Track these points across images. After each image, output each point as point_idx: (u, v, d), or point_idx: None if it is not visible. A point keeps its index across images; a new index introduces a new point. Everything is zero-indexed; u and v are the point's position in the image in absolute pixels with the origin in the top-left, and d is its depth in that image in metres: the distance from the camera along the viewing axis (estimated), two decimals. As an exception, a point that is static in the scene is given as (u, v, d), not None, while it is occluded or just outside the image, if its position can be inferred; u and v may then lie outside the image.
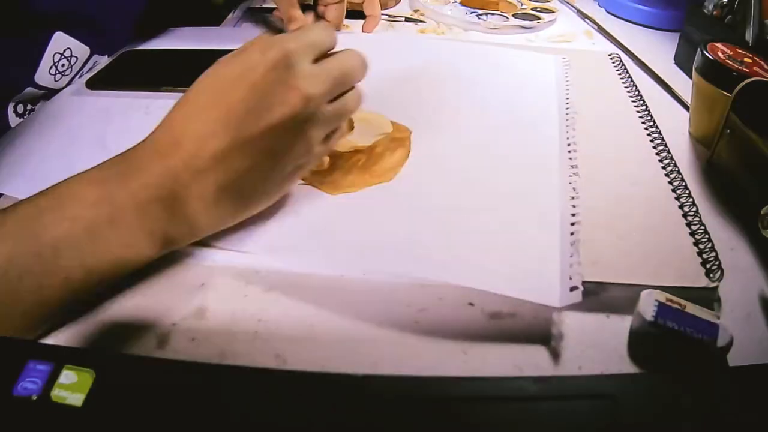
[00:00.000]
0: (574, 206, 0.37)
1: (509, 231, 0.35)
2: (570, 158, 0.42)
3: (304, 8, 0.62)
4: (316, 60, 0.33)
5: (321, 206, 0.37)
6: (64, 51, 0.50)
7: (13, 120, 0.48)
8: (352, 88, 0.35)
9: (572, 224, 0.35)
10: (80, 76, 0.54)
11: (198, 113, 0.30)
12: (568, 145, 0.43)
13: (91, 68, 0.55)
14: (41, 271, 0.27)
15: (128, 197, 0.29)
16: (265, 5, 0.73)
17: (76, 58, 0.51)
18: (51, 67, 0.49)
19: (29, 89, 0.48)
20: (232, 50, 0.55)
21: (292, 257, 0.33)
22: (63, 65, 0.50)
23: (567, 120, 0.47)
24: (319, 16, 0.62)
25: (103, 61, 0.56)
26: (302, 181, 0.38)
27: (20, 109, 0.49)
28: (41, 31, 0.47)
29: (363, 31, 0.63)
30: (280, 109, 0.30)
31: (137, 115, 0.47)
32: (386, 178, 0.39)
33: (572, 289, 0.31)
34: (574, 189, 0.39)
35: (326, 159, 0.40)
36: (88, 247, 0.28)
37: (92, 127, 0.45)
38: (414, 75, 0.53)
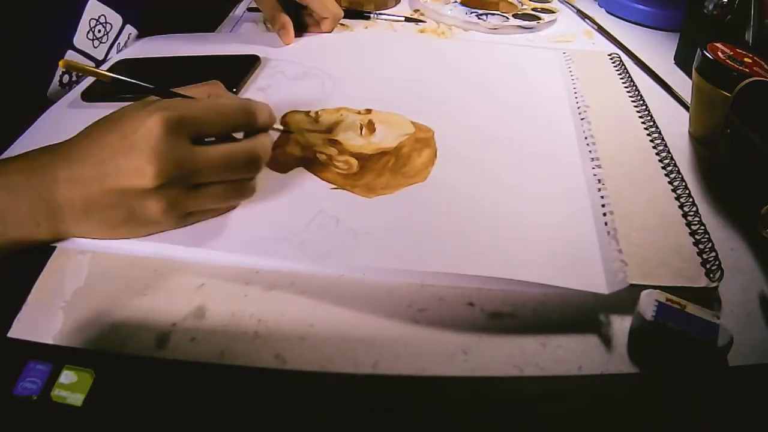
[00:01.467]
0: (602, 197, 0.38)
1: (546, 224, 0.36)
2: (590, 151, 0.43)
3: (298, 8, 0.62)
4: (203, 135, 0.34)
5: (359, 209, 0.37)
6: (99, 17, 0.53)
7: (56, 90, 0.51)
8: (249, 178, 0.36)
9: (604, 214, 0.37)
10: (118, 50, 0.57)
11: (89, 142, 0.33)
12: (585, 138, 0.45)
13: (125, 42, 0.58)
14: None
15: (25, 191, 0.32)
16: (251, 6, 0.73)
17: (111, 25, 0.55)
18: (88, 32, 0.52)
19: (70, 52, 0.50)
20: (226, 56, 0.55)
21: (338, 261, 0.33)
22: (99, 31, 0.53)
23: (580, 113, 0.48)
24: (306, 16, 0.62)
25: (134, 35, 0.58)
26: (334, 186, 0.39)
27: (65, 79, 0.52)
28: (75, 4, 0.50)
29: (323, 31, 0.63)
30: (131, 177, 0.31)
31: None
32: (421, 178, 0.40)
33: (616, 275, 0.32)
34: (599, 180, 0.40)
35: (354, 162, 0.41)
36: None
37: None
38: (423, 75, 0.54)
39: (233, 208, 0.37)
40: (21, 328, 0.29)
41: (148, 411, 0.26)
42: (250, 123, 0.36)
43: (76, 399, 0.25)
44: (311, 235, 0.35)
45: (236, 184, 0.36)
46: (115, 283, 0.32)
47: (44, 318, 0.30)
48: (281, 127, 0.42)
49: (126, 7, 0.57)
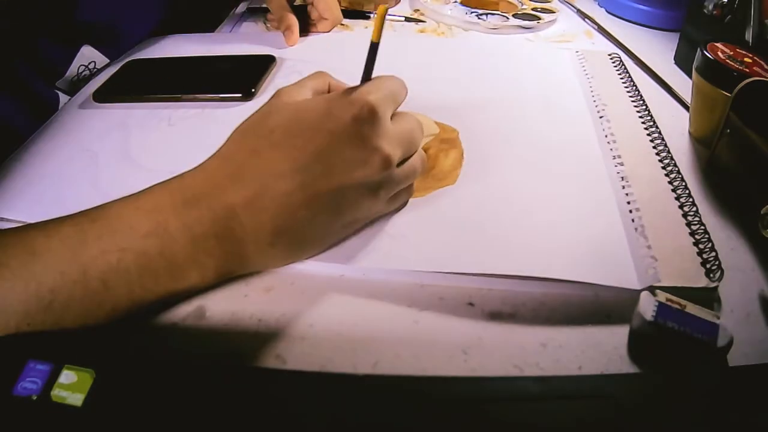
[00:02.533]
0: (627, 194, 0.39)
1: (575, 222, 0.37)
2: (611, 149, 0.43)
3: (298, 9, 0.62)
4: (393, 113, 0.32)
5: (393, 213, 0.36)
6: (89, 64, 0.53)
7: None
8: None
9: (630, 211, 0.37)
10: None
11: (267, 150, 0.28)
12: (606, 136, 0.45)
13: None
14: (88, 302, 0.26)
15: (182, 230, 0.27)
16: (264, 5, 0.73)
17: (97, 69, 0.54)
18: (74, 77, 0.52)
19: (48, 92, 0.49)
20: (240, 56, 0.54)
21: (373, 263, 0.33)
22: (84, 75, 0.53)
23: (598, 111, 0.48)
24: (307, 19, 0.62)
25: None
26: None
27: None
28: (71, 43, 0.50)
29: (319, 31, 0.63)
30: (358, 170, 0.28)
31: (159, 126, 0.45)
32: (451, 180, 0.40)
33: (647, 271, 0.33)
34: (622, 178, 0.40)
35: None
36: (138, 280, 0.27)
37: (111, 141, 0.44)
38: (441, 74, 0.54)
39: (410, 195, 0.37)
40: (21, 328, 0.29)
41: (148, 411, 0.26)
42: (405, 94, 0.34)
43: (76, 399, 0.25)
44: (347, 239, 0.34)
45: (417, 155, 0.34)
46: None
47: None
48: None
49: (118, 48, 0.56)
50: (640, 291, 0.31)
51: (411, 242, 0.35)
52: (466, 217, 0.37)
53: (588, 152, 0.43)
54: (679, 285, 0.32)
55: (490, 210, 0.37)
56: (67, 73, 0.51)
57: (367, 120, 0.28)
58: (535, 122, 0.47)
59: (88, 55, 0.53)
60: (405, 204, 0.37)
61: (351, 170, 0.28)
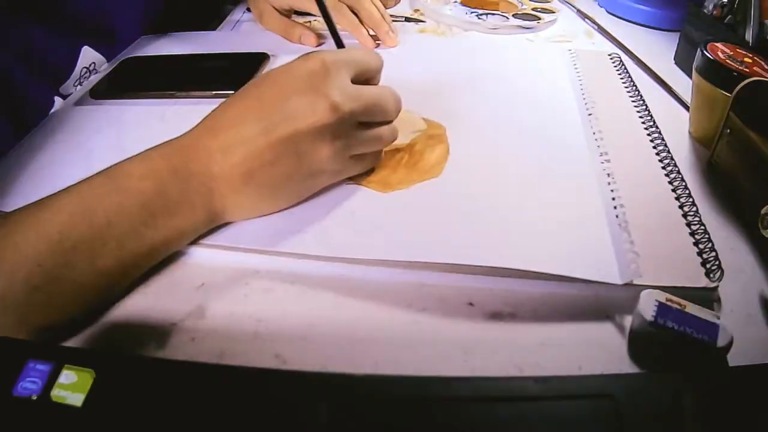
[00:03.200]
0: (612, 190, 0.39)
1: (558, 217, 0.37)
2: (598, 146, 0.44)
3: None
4: (356, 81, 0.34)
5: (375, 204, 0.37)
6: (90, 65, 0.53)
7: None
8: (389, 122, 0.37)
9: (615, 207, 0.37)
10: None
11: (236, 103, 0.33)
12: (594, 133, 0.45)
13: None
14: (94, 240, 0.28)
15: (170, 172, 0.31)
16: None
17: (96, 71, 0.54)
18: (76, 81, 0.52)
19: (57, 99, 0.50)
20: (234, 54, 0.55)
21: (354, 254, 0.33)
22: (84, 78, 0.53)
23: (587, 108, 0.49)
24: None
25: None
26: (350, 182, 0.39)
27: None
28: (72, 44, 0.50)
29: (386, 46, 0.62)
30: (308, 116, 0.31)
31: (153, 122, 0.46)
32: (434, 173, 0.40)
33: (629, 266, 0.33)
34: (608, 175, 0.40)
35: None
36: (138, 217, 0.30)
37: (106, 137, 0.45)
38: (433, 73, 0.55)
39: (377, 163, 0.39)
40: (21, 328, 0.29)
41: (148, 411, 0.26)
42: (381, 69, 0.37)
43: (76, 399, 0.25)
44: (328, 229, 0.35)
45: (387, 125, 0.37)
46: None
47: (44, 318, 0.30)
48: None
49: (114, 49, 0.56)
50: (622, 286, 0.32)
51: (393, 232, 0.35)
52: (448, 210, 0.37)
53: (575, 149, 0.44)
54: (679, 285, 0.32)
55: (473, 203, 0.38)
56: (71, 77, 0.51)
57: (318, 73, 0.32)
58: (523, 120, 0.47)
59: (89, 56, 0.53)
60: (371, 169, 0.40)
61: (303, 116, 0.31)
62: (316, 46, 0.60)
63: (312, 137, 0.32)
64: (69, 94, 0.51)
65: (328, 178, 0.36)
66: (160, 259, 0.32)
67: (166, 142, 0.33)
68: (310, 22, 0.67)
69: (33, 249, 0.27)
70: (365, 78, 0.37)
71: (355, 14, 0.59)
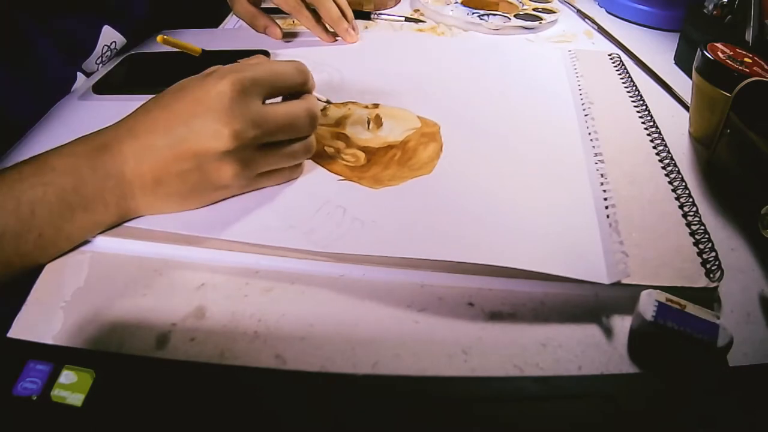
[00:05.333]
0: (604, 190, 0.39)
1: (549, 216, 0.37)
2: (593, 146, 0.44)
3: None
4: (272, 96, 0.36)
5: (366, 200, 0.37)
6: (111, 44, 0.55)
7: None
8: (304, 137, 0.37)
9: (606, 207, 0.37)
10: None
11: (154, 110, 0.34)
12: (589, 134, 0.45)
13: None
14: (19, 227, 0.30)
15: (89, 169, 0.32)
16: (264, 5, 0.73)
17: (117, 50, 0.56)
18: (98, 58, 0.54)
19: (79, 74, 0.51)
20: (235, 51, 0.55)
21: (344, 248, 0.33)
22: (107, 56, 0.55)
23: (584, 109, 0.49)
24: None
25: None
26: (342, 177, 0.39)
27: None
28: (92, 22, 0.52)
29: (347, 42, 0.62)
30: (209, 140, 0.32)
31: None
32: (426, 170, 0.41)
33: (617, 266, 0.33)
34: (601, 175, 0.40)
35: (362, 155, 0.42)
36: (57, 209, 0.31)
37: None
38: (429, 71, 0.55)
39: (298, 175, 0.39)
40: (21, 328, 0.29)
41: (148, 411, 0.26)
42: (306, 82, 0.37)
43: (76, 399, 0.25)
44: (318, 224, 0.35)
45: (301, 142, 0.37)
46: (115, 283, 0.32)
47: (44, 318, 0.30)
48: (323, 98, 0.42)
49: (132, 31, 0.58)
50: (622, 286, 0.32)
51: (383, 229, 0.35)
52: (438, 207, 0.37)
53: (569, 149, 0.44)
54: (679, 285, 0.32)
55: (463, 201, 0.38)
56: (93, 54, 0.52)
57: (225, 96, 0.32)
58: (519, 119, 0.47)
59: (109, 35, 0.54)
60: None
61: (206, 139, 0.32)
62: (280, 39, 0.61)
63: (214, 158, 0.33)
64: (92, 72, 0.53)
65: (236, 190, 0.36)
66: (77, 244, 0.34)
67: (92, 135, 0.34)
68: (293, 21, 0.67)
69: None
70: (284, 93, 0.37)
71: (316, 12, 0.60)
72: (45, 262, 0.33)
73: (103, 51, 0.54)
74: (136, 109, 0.35)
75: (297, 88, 0.37)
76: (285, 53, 0.58)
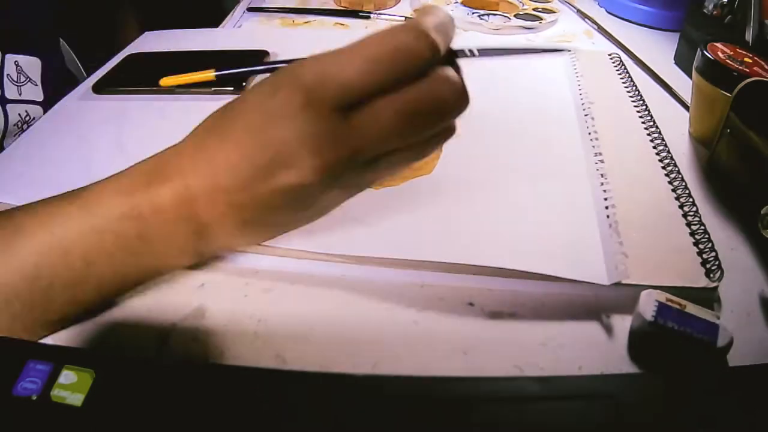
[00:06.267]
0: (604, 190, 0.39)
1: (549, 216, 0.37)
2: (593, 146, 0.44)
3: None
4: (375, 95, 0.24)
5: (364, 200, 0.37)
6: (16, 65, 0.52)
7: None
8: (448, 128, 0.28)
9: (606, 207, 0.37)
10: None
11: (224, 139, 0.26)
12: (589, 133, 0.45)
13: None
14: (72, 278, 0.27)
15: (154, 213, 0.27)
16: (264, 5, 0.73)
17: (26, 75, 0.53)
18: (10, 84, 0.51)
19: (10, 106, 0.49)
20: (235, 51, 0.54)
21: (342, 249, 0.33)
22: (22, 79, 0.53)
23: (584, 109, 0.49)
24: None
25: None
26: None
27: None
28: None
29: None
30: (284, 175, 0.25)
31: (152, 118, 0.47)
32: (427, 170, 0.41)
33: (617, 266, 0.33)
34: (602, 175, 0.40)
35: None
36: (119, 258, 0.27)
37: (105, 131, 0.45)
38: None
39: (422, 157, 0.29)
40: (21, 328, 0.29)
41: (148, 411, 0.26)
42: (434, 49, 0.24)
43: (76, 399, 0.25)
44: (318, 224, 0.35)
45: (425, 142, 0.27)
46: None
47: (44, 318, 0.30)
48: (467, 49, 0.28)
49: (40, 50, 0.55)
50: (623, 286, 0.32)
51: (382, 229, 0.35)
52: (438, 207, 0.37)
53: (569, 149, 0.44)
54: (679, 285, 0.32)
55: (463, 201, 0.38)
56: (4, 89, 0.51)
57: (281, 119, 0.24)
58: (518, 120, 0.47)
59: (10, 59, 0.52)
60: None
61: (277, 176, 0.25)
62: None
63: (304, 192, 0.26)
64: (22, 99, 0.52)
65: (339, 203, 0.30)
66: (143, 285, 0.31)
67: (154, 160, 0.28)
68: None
69: (8, 278, 0.26)
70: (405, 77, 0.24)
71: None
72: (105, 309, 0.30)
73: (12, 78, 0.52)
74: (203, 124, 0.28)
75: (411, 71, 0.24)
76: (286, 53, 0.58)
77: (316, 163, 0.24)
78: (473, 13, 0.69)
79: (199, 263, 0.32)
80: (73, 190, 0.28)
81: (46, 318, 0.28)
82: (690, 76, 0.47)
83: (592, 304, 0.32)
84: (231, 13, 0.72)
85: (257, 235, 0.30)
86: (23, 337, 0.28)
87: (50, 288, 0.27)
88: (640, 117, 0.48)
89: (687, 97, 0.51)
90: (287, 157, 0.24)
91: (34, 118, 0.53)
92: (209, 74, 0.45)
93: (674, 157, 0.43)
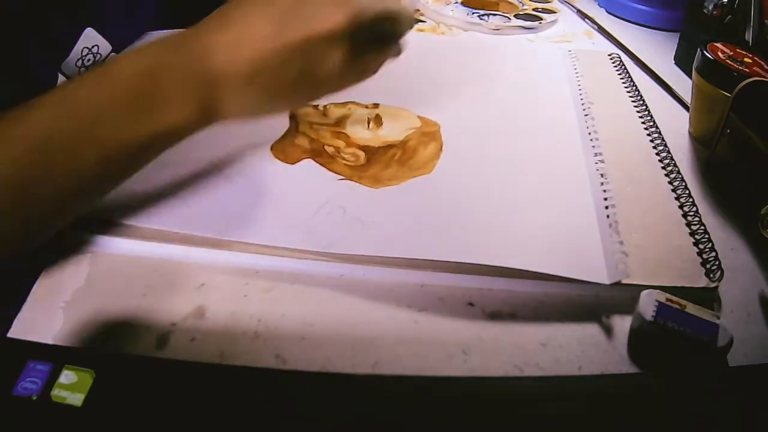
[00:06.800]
0: (604, 190, 0.39)
1: (549, 216, 0.37)
2: (593, 146, 0.44)
3: None
4: None
5: (366, 200, 0.37)
6: (93, 47, 0.53)
7: None
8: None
9: (606, 207, 0.37)
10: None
11: (249, 2, 0.31)
12: (589, 134, 0.45)
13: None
14: (78, 139, 0.27)
15: (169, 70, 0.29)
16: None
17: (101, 55, 0.54)
18: (78, 60, 0.51)
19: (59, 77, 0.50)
20: None
21: (344, 248, 0.33)
22: (89, 60, 0.53)
23: (584, 109, 0.49)
24: None
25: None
26: (341, 177, 0.39)
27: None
28: (74, 24, 0.50)
29: None
30: (312, 23, 0.30)
31: None
32: (426, 170, 0.41)
33: (617, 266, 0.33)
34: (602, 175, 0.40)
35: (362, 154, 0.42)
36: (123, 116, 0.28)
37: None
38: (430, 71, 0.55)
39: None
40: (21, 328, 0.29)
41: (148, 411, 0.26)
42: None
43: (76, 399, 0.25)
44: (318, 223, 0.35)
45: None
46: (115, 283, 0.32)
47: (44, 318, 0.30)
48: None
49: (118, 38, 0.56)
50: (623, 286, 0.32)
51: (382, 228, 0.35)
52: (438, 207, 0.37)
53: (569, 149, 0.44)
54: (679, 285, 0.32)
55: (463, 200, 0.38)
56: (71, 56, 0.51)
57: None
58: (518, 120, 0.47)
59: (91, 37, 0.52)
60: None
61: (315, 22, 0.30)
62: None
63: (323, 45, 0.30)
64: (72, 75, 0.51)
65: (336, 86, 0.34)
66: (144, 165, 0.31)
67: (167, 37, 0.31)
68: None
69: (13, 149, 0.27)
70: None
71: None
72: (105, 189, 0.30)
73: (83, 53, 0.52)
74: (221, 8, 0.32)
75: None
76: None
77: (341, 11, 0.30)
78: (473, 13, 0.69)
79: (203, 121, 0.31)
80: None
81: (44, 191, 0.28)
82: (690, 76, 0.47)
83: (592, 304, 0.32)
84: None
85: (258, 97, 0.31)
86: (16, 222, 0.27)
87: (56, 152, 0.27)
88: (640, 117, 0.48)
89: (687, 97, 0.51)
90: (319, 6, 0.30)
91: None
92: None
93: (674, 157, 0.43)
